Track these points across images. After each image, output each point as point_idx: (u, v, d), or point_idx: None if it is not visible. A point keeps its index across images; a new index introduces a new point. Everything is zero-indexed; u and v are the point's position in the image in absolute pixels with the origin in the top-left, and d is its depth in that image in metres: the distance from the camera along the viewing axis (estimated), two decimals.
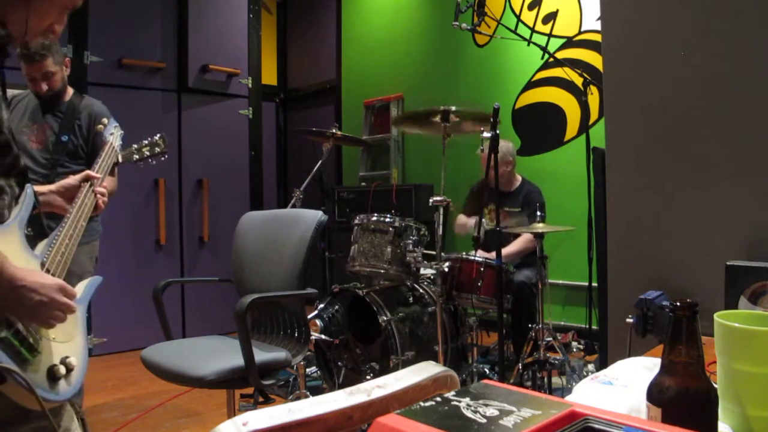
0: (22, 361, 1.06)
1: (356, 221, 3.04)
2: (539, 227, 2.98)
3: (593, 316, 3.10)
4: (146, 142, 1.93)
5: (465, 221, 3.63)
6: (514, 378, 2.92)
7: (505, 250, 3.30)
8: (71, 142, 2.67)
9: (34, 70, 2.57)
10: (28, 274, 1.09)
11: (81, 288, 1.37)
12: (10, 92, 2.56)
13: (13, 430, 1.07)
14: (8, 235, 1.11)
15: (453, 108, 2.76)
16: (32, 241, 1.23)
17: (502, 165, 3.45)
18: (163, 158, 1.94)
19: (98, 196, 1.49)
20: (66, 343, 1.20)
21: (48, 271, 1.22)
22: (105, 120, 1.79)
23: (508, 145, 3.58)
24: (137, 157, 1.89)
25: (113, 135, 1.74)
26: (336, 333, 2.98)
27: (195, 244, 4.77)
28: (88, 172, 1.52)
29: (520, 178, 3.67)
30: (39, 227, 1.22)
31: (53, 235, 1.28)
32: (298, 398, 2.07)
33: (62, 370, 1.13)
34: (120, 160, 1.77)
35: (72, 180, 1.48)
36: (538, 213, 3.06)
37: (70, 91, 2.77)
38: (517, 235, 3.42)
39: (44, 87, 2.60)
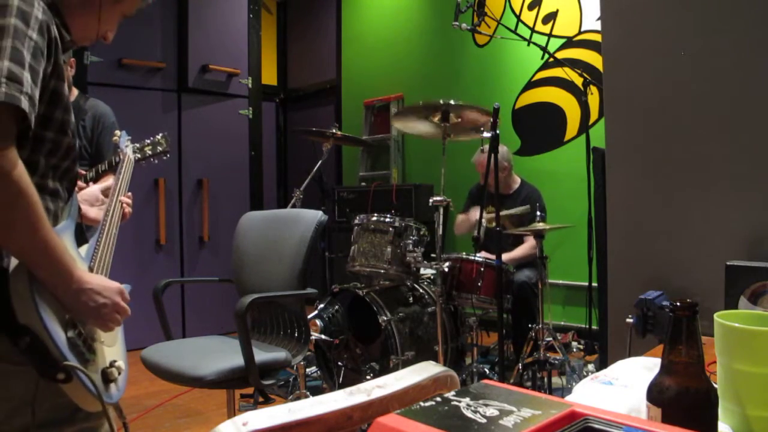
0: (84, 362, 1.08)
1: (356, 221, 3.04)
2: (539, 225, 2.98)
3: (593, 316, 3.10)
4: (148, 141, 1.93)
5: (465, 217, 3.63)
6: (514, 378, 2.91)
7: (508, 255, 3.32)
8: (75, 143, 2.67)
9: None
10: (93, 277, 1.13)
11: None
12: None
13: (60, 430, 1.09)
14: (65, 237, 1.12)
15: (452, 102, 2.74)
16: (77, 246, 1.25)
17: (498, 170, 3.46)
18: (165, 157, 1.95)
19: (125, 207, 1.53)
20: (112, 347, 1.23)
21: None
22: (118, 132, 1.82)
23: (503, 149, 3.56)
24: (139, 156, 1.90)
25: (128, 147, 1.77)
26: (336, 333, 2.98)
27: (195, 244, 4.77)
28: (106, 184, 1.54)
29: (519, 180, 3.67)
30: (79, 234, 1.24)
31: (93, 243, 1.31)
32: (298, 398, 2.07)
33: (115, 372, 1.16)
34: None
35: (96, 189, 1.52)
36: (539, 213, 3.06)
37: (75, 91, 2.77)
38: (516, 236, 3.42)
39: None
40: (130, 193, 1.57)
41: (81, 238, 1.27)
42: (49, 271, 1.04)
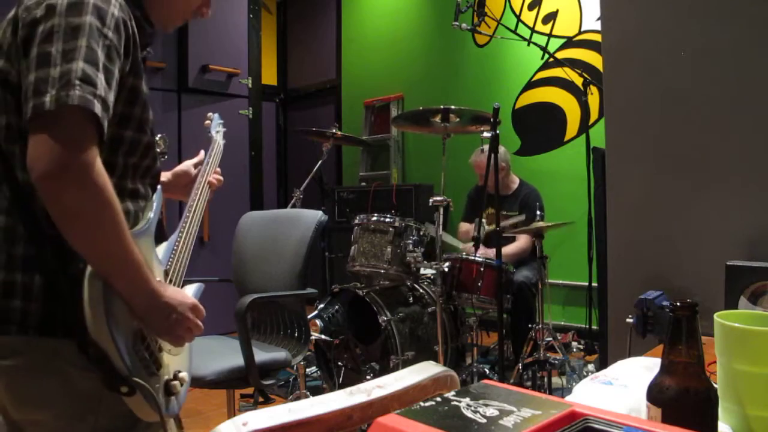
0: (149, 375, 1.05)
1: (356, 221, 3.04)
2: (539, 224, 2.98)
3: (593, 316, 3.10)
4: None
5: (468, 228, 3.63)
6: (514, 378, 2.91)
7: (505, 250, 3.30)
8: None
9: None
10: (170, 290, 1.09)
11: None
12: None
13: None
14: (141, 240, 1.08)
15: (452, 107, 2.75)
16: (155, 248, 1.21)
17: (500, 171, 3.48)
18: (162, 158, 1.94)
19: (214, 181, 1.49)
20: (177, 356, 1.18)
21: (171, 280, 1.20)
22: (210, 114, 1.75)
23: (501, 149, 3.56)
24: None
25: (219, 133, 1.70)
26: (336, 333, 2.98)
27: (195, 244, 4.77)
28: (199, 158, 1.51)
29: (517, 180, 3.67)
30: (159, 232, 1.20)
31: (173, 241, 1.26)
32: (298, 398, 2.07)
33: (178, 386, 1.12)
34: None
35: (184, 165, 1.49)
36: (538, 213, 3.06)
37: None
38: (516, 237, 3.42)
39: None
40: (219, 169, 1.54)
41: (160, 235, 1.21)
42: (125, 281, 1.00)
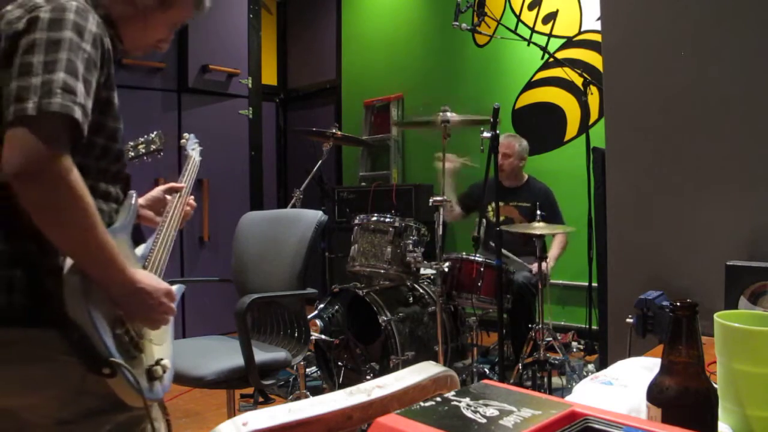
0: (130, 359, 1.12)
1: (356, 221, 3.04)
2: (539, 226, 2.98)
3: (593, 316, 3.10)
4: (142, 139, 1.94)
5: (457, 212, 3.64)
6: (514, 378, 2.91)
7: (551, 255, 3.46)
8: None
9: None
10: (146, 277, 1.16)
11: None
12: None
13: (112, 417, 1.13)
14: (119, 237, 1.16)
15: (451, 117, 2.75)
16: (133, 247, 1.27)
17: (517, 159, 3.58)
18: (159, 155, 1.94)
19: (188, 207, 1.55)
20: (160, 345, 1.25)
21: None
22: (186, 135, 1.84)
23: (523, 142, 3.71)
24: (132, 154, 1.90)
25: (194, 150, 1.80)
26: (336, 333, 2.98)
27: (195, 244, 4.77)
28: (172, 184, 1.57)
29: (526, 176, 3.73)
30: (137, 235, 1.28)
31: (150, 244, 1.34)
32: (298, 398, 2.07)
33: (160, 370, 1.19)
34: (143, 151, 1.78)
35: (156, 192, 1.55)
36: (539, 213, 3.06)
37: None
38: (525, 236, 3.43)
39: None
40: (192, 196, 1.60)
41: (138, 238, 1.29)
42: (101, 271, 1.07)
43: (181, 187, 1.56)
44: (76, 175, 1.01)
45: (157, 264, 1.31)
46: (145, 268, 1.26)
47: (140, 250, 1.30)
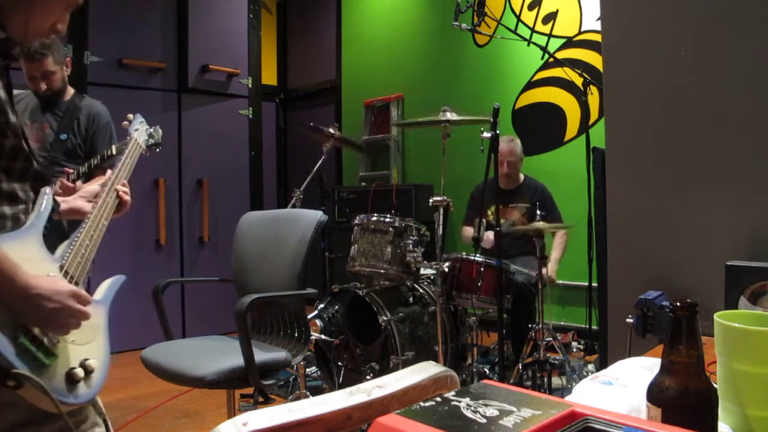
0: (39, 366, 1.06)
1: (356, 221, 3.04)
2: (540, 225, 2.98)
3: (593, 316, 3.10)
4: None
5: (471, 230, 3.65)
6: (514, 378, 2.91)
7: (555, 258, 3.48)
8: (70, 141, 2.68)
9: (33, 68, 2.57)
10: (42, 281, 1.09)
11: (103, 288, 1.37)
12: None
13: (38, 428, 1.09)
14: (25, 240, 1.11)
15: (451, 117, 2.75)
16: (54, 244, 1.22)
17: (519, 162, 3.60)
18: (157, 150, 1.91)
19: (121, 193, 1.47)
20: (85, 345, 1.19)
21: (67, 273, 1.21)
22: (130, 116, 1.76)
23: (519, 143, 3.75)
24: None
25: (138, 131, 1.72)
26: (336, 333, 2.98)
27: (195, 244, 4.77)
28: (107, 177, 1.49)
29: (522, 176, 3.76)
30: (60, 230, 1.22)
31: (73, 237, 1.28)
32: (298, 398, 2.07)
33: (80, 372, 1.13)
34: (114, 152, 1.74)
35: (96, 186, 1.48)
36: (539, 213, 3.07)
37: (71, 90, 2.77)
38: (525, 237, 3.43)
39: (43, 86, 2.60)
40: (125, 182, 1.50)
41: (61, 235, 1.23)
42: None
43: (109, 179, 1.47)
44: None
45: (80, 261, 1.25)
46: (62, 267, 1.20)
47: (62, 248, 1.24)
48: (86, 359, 1.16)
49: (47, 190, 1.23)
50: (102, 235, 1.34)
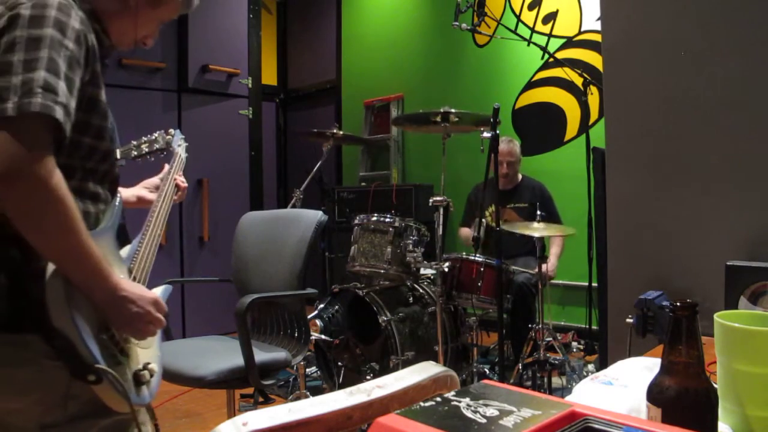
0: (116, 364, 1.10)
1: (356, 221, 3.04)
2: (538, 227, 2.98)
3: (593, 316, 3.10)
4: (145, 139, 1.94)
5: (468, 233, 3.65)
6: (514, 378, 2.91)
7: (554, 257, 3.47)
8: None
9: None
10: (129, 284, 1.13)
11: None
12: None
13: (97, 422, 1.11)
14: (102, 240, 1.13)
15: (452, 110, 2.75)
16: (119, 246, 1.26)
17: (518, 162, 3.60)
18: (162, 155, 1.94)
19: (179, 181, 1.57)
20: (148, 349, 1.24)
21: (135, 278, 1.25)
22: (172, 131, 1.86)
23: (517, 142, 3.75)
24: (135, 153, 1.90)
25: (180, 146, 1.81)
26: (336, 333, 2.98)
27: (195, 244, 4.77)
28: (165, 169, 1.59)
29: (520, 176, 3.76)
30: (123, 235, 1.26)
31: (137, 241, 1.32)
32: (298, 398, 2.07)
33: (147, 375, 1.17)
34: (119, 156, 1.77)
35: (156, 179, 1.56)
36: (539, 213, 3.07)
37: None
38: (524, 237, 3.43)
39: None
40: (183, 179, 1.63)
41: (124, 238, 1.27)
42: (84, 277, 1.05)
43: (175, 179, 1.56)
44: (58, 179, 0.98)
45: (144, 265, 1.29)
46: (130, 270, 1.24)
47: (125, 251, 1.28)
48: (148, 363, 1.19)
49: (120, 193, 1.27)
50: (158, 243, 1.39)
